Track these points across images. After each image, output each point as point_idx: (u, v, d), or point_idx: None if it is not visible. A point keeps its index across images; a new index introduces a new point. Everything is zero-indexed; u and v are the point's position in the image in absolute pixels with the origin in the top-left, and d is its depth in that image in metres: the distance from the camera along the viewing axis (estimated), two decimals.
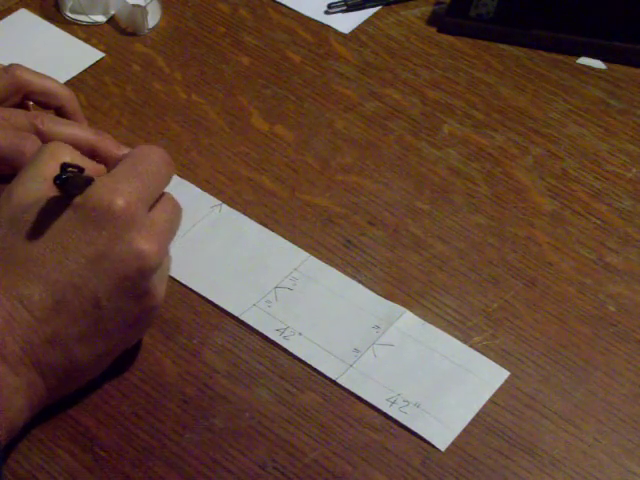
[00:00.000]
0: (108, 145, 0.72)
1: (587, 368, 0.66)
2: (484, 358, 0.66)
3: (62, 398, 0.62)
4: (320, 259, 0.70)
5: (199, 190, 0.74)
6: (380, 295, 0.69)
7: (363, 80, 0.83)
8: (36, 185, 0.61)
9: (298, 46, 0.86)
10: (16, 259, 0.59)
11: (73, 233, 0.59)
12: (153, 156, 0.63)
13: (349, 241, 0.72)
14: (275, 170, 0.76)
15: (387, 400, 0.64)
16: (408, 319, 0.67)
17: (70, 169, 0.59)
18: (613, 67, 0.85)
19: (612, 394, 0.65)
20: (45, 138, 0.70)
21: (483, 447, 0.62)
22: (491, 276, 0.70)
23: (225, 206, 0.73)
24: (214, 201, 0.73)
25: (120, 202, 0.59)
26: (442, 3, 0.89)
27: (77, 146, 0.71)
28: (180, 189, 0.70)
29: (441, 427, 0.62)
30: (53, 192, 0.60)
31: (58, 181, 0.58)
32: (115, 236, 0.59)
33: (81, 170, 0.61)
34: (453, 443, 0.62)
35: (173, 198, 0.64)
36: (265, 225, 0.72)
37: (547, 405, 0.64)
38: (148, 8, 0.85)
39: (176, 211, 0.64)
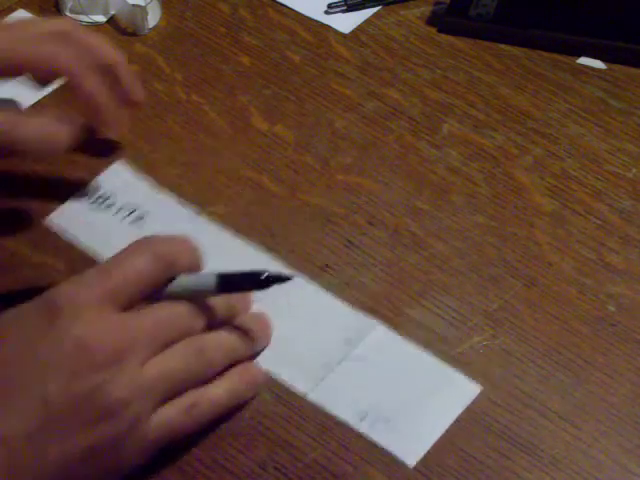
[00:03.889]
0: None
1: (587, 368, 0.66)
2: (456, 373, 0.65)
3: None
4: (317, 260, 0.70)
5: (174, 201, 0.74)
6: (379, 296, 0.69)
7: (363, 80, 0.83)
8: None
9: (298, 46, 0.86)
10: None
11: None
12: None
13: (349, 241, 0.72)
14: (275, 170, 0.76)
15: (357, 415, 0.62)
16: (380, 333, 0.66)
17: None
18: (613, 67, 0.85)
19: (612, 394, 0.65)
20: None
21: (483, 447, 0.62)
22: (491, 276, 0.70)
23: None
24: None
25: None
26: (442, 3, 0.89)
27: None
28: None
29: (410, 442, 0.61)
30: None
31: None
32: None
33: None
34: (453, 443, 0.62)
35: None
36: (265, 225, 0.72)
37: (547, 405, 0.64)
38: (148, 8, 0.85)
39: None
